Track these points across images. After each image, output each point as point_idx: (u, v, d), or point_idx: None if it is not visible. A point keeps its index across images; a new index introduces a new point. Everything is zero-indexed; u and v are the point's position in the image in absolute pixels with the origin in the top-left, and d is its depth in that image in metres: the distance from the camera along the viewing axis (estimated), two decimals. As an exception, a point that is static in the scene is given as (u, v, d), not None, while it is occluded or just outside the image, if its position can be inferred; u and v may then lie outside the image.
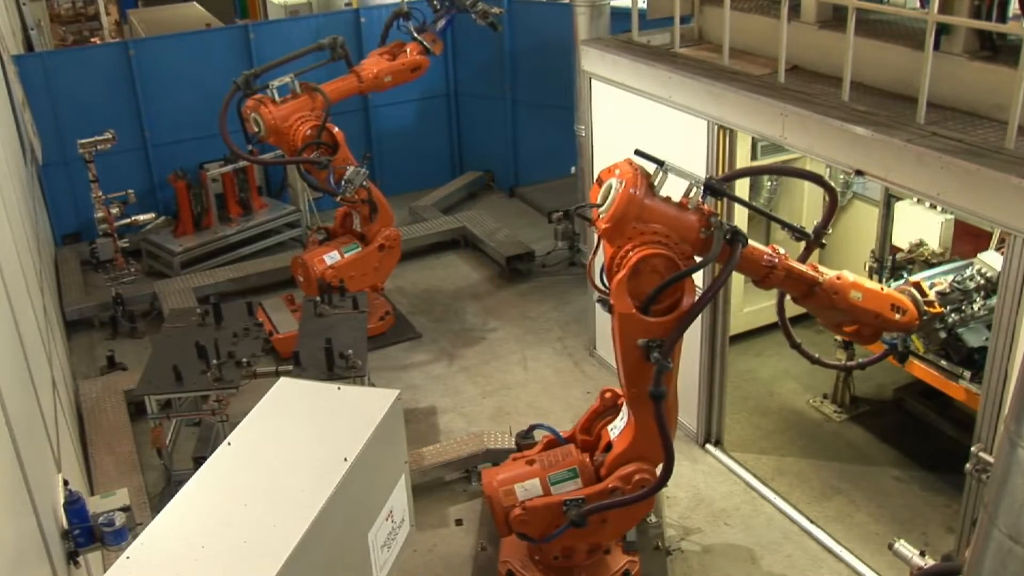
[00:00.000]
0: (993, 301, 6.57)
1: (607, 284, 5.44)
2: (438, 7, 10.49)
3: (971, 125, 6.03)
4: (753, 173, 6.33)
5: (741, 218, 8.88)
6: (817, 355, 6.28)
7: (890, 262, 8.39)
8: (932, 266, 8.12)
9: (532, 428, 6.78)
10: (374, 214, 9.94)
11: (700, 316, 7.94)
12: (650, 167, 5.32)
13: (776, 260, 5.44)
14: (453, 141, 14.30)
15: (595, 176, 9.14)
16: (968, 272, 7.26)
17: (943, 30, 6.19)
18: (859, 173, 6.23)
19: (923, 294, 5.83)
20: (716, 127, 7.37)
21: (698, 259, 5.33)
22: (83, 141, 9.97)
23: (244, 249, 12.18)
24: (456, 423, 8.87)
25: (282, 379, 5.54)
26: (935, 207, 7.48)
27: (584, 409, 6.70)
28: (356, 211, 10.06)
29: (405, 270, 11.47)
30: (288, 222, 12.62)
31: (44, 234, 11.24)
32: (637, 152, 5.35)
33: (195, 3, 17.46)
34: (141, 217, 10.53)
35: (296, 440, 4.89)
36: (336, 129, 9.45)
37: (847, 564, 7.00)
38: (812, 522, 7.40)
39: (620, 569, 6.57)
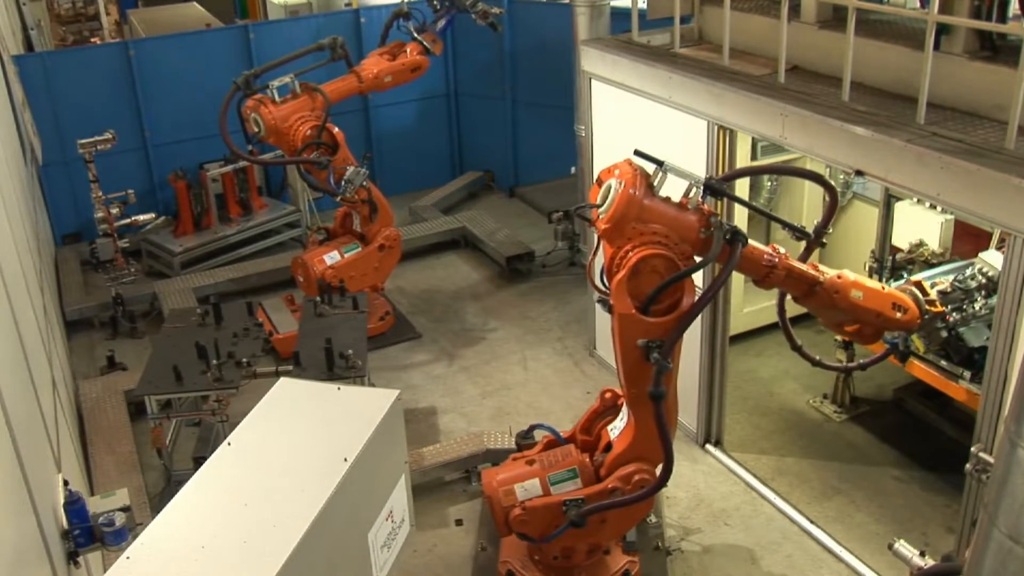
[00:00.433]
0: (995, 300, 6.57)
1: (607, 284, 5.44)
2: (438, 7, 10.49)
3: (971, 125, 6.03)
4: (753, 173, 6.32)
5: (741, 218, 8.89)
6: (818, 357, 6.27)
7: (890, 262, 8.40)
8: (932, 266, 8.12)
9: (532, 428, 6.78)
10: (374, 214, 9.94)
11: (700, 316, 7.98)
12: (650, 167, 5.31)
13: (776, 260, 5.44)
14: (453, 141, 14.30)
15: (595, 176, 9.17)
16: (969, 271, 7.26)
17: (943, 30, 6.19)
18: (859, 173, 6.23)
19: (924, 293, 5.80)
20: (716, 127, 7.37)
21: (698, 259, 5.32)
22: (83, 141, 9.97)
23: (244, 249, 12.18)
24: (456, 423, 8.87)
25: (282, 379, 5.54)
26: (935, 207, 7.48)
27: (584, 409, 6.70)
28: (356, 211, 10.06)
29: (405, 270, 11.47)
30: (288, 222, 12.63)
31: (44, 234, 11.24)
32: (637, 152, 5.34)
33: (195, 3, 17.46)
34: (141, 217, 10.54)
35: (296, 440, 4.89)
36: (336, 129, 9.45)
37: (847, 564, 7.00)
38: (812, 522, 7.40)
39: (620, 569, 6.57)
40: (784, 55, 6.95)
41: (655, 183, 5.27)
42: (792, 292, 5.69)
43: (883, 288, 5.75)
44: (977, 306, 7.00)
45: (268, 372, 7.70)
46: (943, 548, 6.73)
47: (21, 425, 4.64)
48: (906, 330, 5.89)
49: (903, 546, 5.27)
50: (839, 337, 8.56)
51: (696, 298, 5.30)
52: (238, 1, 19.13)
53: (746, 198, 9.08)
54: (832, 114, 6.38)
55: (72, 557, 4.82)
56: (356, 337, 7.78)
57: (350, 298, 8.41)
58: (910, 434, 8.31)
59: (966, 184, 5.49)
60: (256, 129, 9.32)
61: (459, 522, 7.62)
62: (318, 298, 8.39)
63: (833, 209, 5.59)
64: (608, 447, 6.16)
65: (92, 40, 17.47)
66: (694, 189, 5.26)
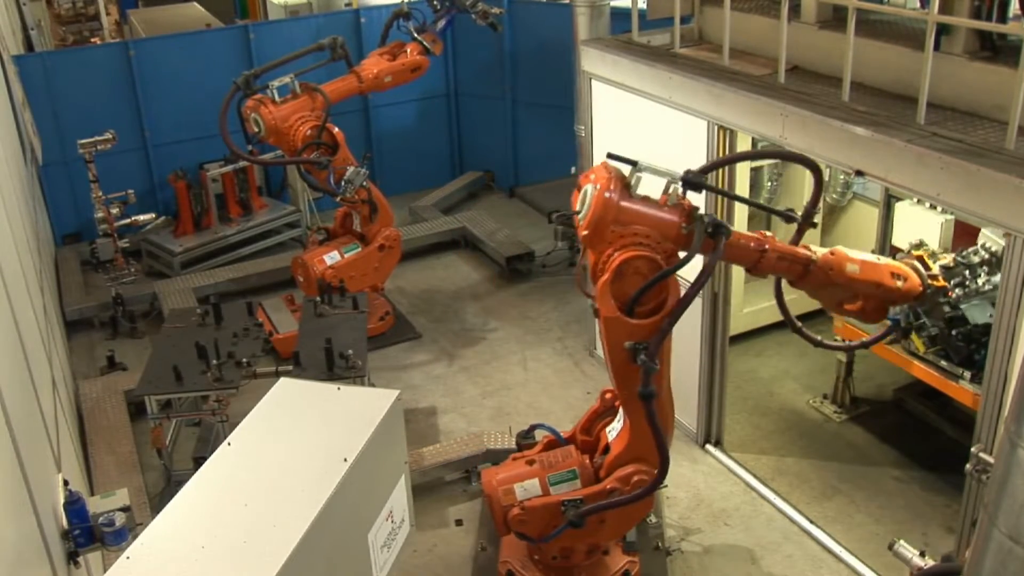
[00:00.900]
0: (998, 277, 6.51)
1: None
2: (438, 7, 10.50)
3: (971, 125, 6.03)
4: (731, 161, 6.15)
5: (741, 211, 8.89)
6: (820, 337, 6.16)
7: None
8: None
9: (533, 428, 6.79)
10: (374, 214, 9.94)
11: (700, 317, 7.98)
12: (626, 169, 5.26)
13: (767, 244, 5.35)
14: (453, 141, 14.30)
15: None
16: (973, 248, 7.24)
17: (943, 30, 6.19)
18: (859, 173, 6.23)
19: (927, 268, 5.71)
20: (716, 127, 7.37)
21: (682, 256, 5.24)
22: (83, 141, 9.98)
23: (244, 249, 12.18)
24: (456, 423, 8.87)
25: (282, 379, 5.54)
26: (935, 207, 7.47)
27: (584, 409, 6.70)
28: (356, 211, 10.06)
29: (405, 270, 11.47)
30: (288, 222, 12.63)
31: (44, 234, 11.23)
32: (610, 155, 5.27)
33: (195, 3, 17.46)
34: (141, 217, 10.54)
35: (296, 440, 4.89)
36: (336, 129, 9.46)
37: (847, 564, 7.00)
38: (812, 522, 7.40)
39: (620, 569, 6.57)
40: (784, 55, 6.96)
41: (631, 184, 5.19)
42: (787, 276, 5.56)
43: (879, 260, 5.65)
44: (980, 281, 6.91)
45: (268, 372, 7.70)
46: (943, 548, 6.73)
47: (21, 425, 4.64)
48: (908, 301, 5.71)
49: (903, 546, 5.27)
50: (839, 337, 8.58)
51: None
52: (238, 1, 19.13)
53: (747, 195, 9.10)
54: (832, 114, 6.38)
55: (72, 557, 4.82)
56: (356, 337, 7.78)
57: (350, 298, 8.41)
58: (910, 434, 8.31)
59: (966, 184, 5.49)
60: (256, 129, 9.32)
61: (459, 522, 7.62)
62: (318, 298, 8.39)
63: (819, 189, 5.47)
64: (608, 448, 6.16)
65: (92, 40, 17.47)
66: (672, 186, 5.19)
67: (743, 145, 8.05)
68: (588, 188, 5.21)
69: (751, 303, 9.40)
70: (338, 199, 9.69)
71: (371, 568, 5.01)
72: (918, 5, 6.95)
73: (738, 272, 8.25)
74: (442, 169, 14.20)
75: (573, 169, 10.81)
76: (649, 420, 5.27)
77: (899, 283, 5.49)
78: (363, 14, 12.95)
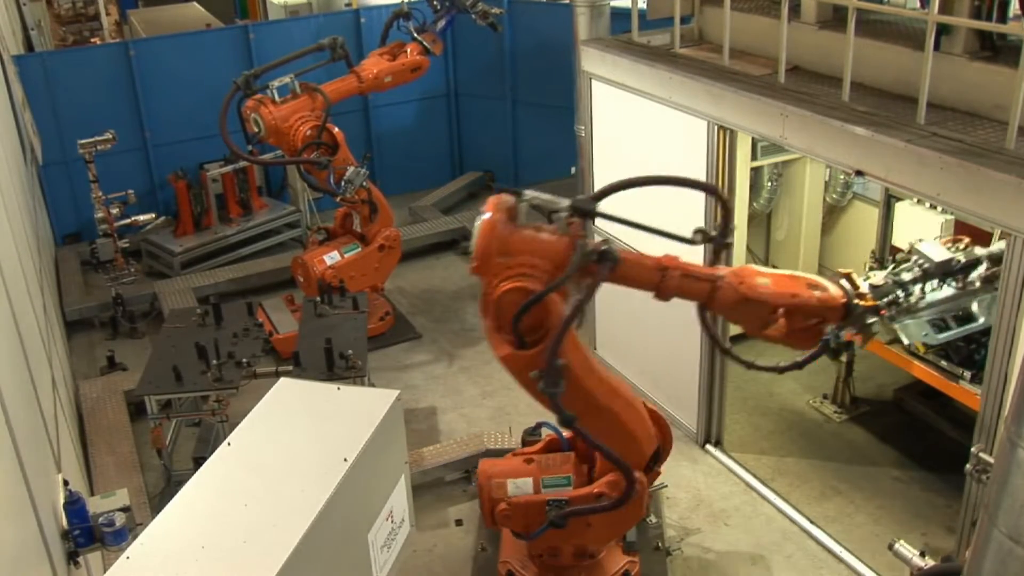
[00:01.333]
0: (938, 294, 6.50)
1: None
2: (438, 7, 10.49)
3: (971, 125, 6.03)
4: (627, 187, 5.89)
5: (741, 218, 8.90)
6: (752, 360, 6.04)
7: (890, 263, 8.39)
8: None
9: (539, 425, 6.80)
10: (374, 214, 9.94)
11: (700, 317, 7.97)
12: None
13: (669, 264, 5.16)
14: (453, 141, 14.30)
15: (593, 177, 9.19)
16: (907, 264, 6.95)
17: (943, 30, 6.19)
18: (859, 173, 6.23)
19: (854, 286, 5.42)
20: (716, 127, 7.38)
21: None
22: (83, 141, 9.98)
23: (244, 249, 12.18)
24: (456, 423, 8.86)
25: (282, 379, 5.55)
26: (935, 207, 7.47)
27: (584, 409, 6.69)
28: (356, 211, 10.06)
29: (405, 270, 11.46)
30: (288, 222, 12.63)
31: (44, 234, 11.24)
32: (499, 188, 5.21)
33: (195, 3, 17.46)
34: (141, 217, 10.54)
35: (296, 440, 4.90)
36: (336, 129, 9.45)
37: (847, 564, 7.00)
38: (812, 522, 7.39)
39: (620, 569, 6.56)
40: (784, 55, 6.96)
41: (518, 214, 5.07)
42: (697, 298, 5.29)
43: (794, 273, 5.44)
44: (913, 299, 6.51)
45: (268, 372, 7.70)
46: (943, 548, 6.73)
47: (21, 425, 4.64)
48: (833, 314, 5.33)
49: (903, 546, 5.27)
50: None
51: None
52: (238, 1, 19.13)
53: (747, 199, 9.11)
54: (832, 114, 6.38)
55: (72, 557, 4.82)
56: (356, 337, 7.78)
57: (350, 298, 8.41)
58: (910, 434, 8.31)
59: (966, 184, 5.49)
60: (256, 129, 9.31)
61: (459, 522, 7.62)
62: (318, 298, 8.39)
63: (727, 217, 5.27)
64: None
65: (92, 40, 17.46)
66: (561, 213, 5.05)
67: (743, 145, 8.07)
68: (477, 220, 5.06)
69: (751, 303, 9.38)
70: (338, 199, 9.68)
71: (371, 568, 5.01)
72: (918, 5, 6.95)
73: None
74: (442, 169, 14.20)
75: (573, 169, 10.82)
76: (586, 440, 5.27)
77: (816, 293, 5.16)
78: (363, 14, 12.95)
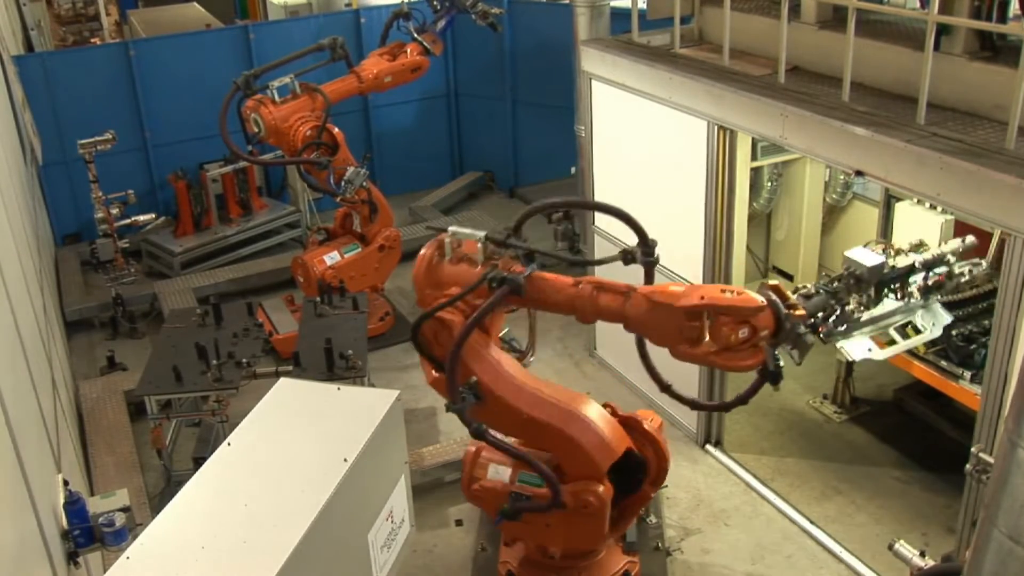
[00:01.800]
0: (881, 308, 6.24)
1: None
2: (438, 7, 10.50)
3: (971, 125, 6.04)
4: (539, 211, 5.96)
5: (740, 220, 8.89)
6: (694, 397, 6.07)
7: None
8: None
9: None
10: (374, 214, 9.94)
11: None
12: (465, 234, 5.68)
13: (582, 281, 5.40)
14: (453, 141, 14.30)
15: (593, 177, 9.19)
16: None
17: (943, 30, 6.19)
18: (859, 173, 6.23)
19: (783, 297, 5.14)
20: (716, 127, 7.38)
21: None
22: (83, 141, 9.98)
23: (244, 249, 12.18)
24: (456, 423, 8.79)
25: (282, 379, 5.54)
26: (935, 207, 7.47)
27: (584, 409, 6.68)
28: (356, 211, 10.06)
29: (405, 270, 11.42)
30: (288, 222, 12.63)
31: (44, 234, 11.24)
32: (428, 227, 5.81)
33: (195, 3, 17.46)
34: (141, 217, 10.54)
35: (296, 440, 4.89)
36: (336, 129, 9.45)
37: (847, 565, 7.00)
38: (812, 523, 7.40)
39: (620, 569, 6.56)
40: (784, 55, 6.96)
41: (445, 248, 5.64)
42: (612, 311, 5.29)
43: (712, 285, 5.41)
44: (849, 309, 6.04)
45: (268, 372, 7.70)
46: (943, 548, 6.73)
47: (21, 425, 4.64)
48: (759, 320, 4.96)
49: (903, 546, 5.27)
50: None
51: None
52: (238, 1, 19.14)
53: (747, 199, 9.11)
54: (832, 114, 6.38)
55: (72, 557, 4.82)
56: (356, 337, 7.78)
57: (350, 298, 8.41)
58: (910, 434, 8.30)
59: (966, 184, 5.49)
60: (256, 129, 9.31)
61: (459, 522, 7.62)
62: (318, 298, 8.39)
63: (642, 236, 5.33)
64: None
65: (92, 40, 17.46)
66: (478, 244, 5.56)
67: (743, 145, 8.07)
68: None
69: (751, 303, 9.39)
70: (338, 199, 9.68)
71: (371, 568, 5.00)
72: (918, 5, 6.95)
73: (737, 275, 8.25)
74: (442, 169, 14.20)
75: (573, 169, 10.83)
76: (501, 448, 5.57)
77: (729, 295, 4.88)
78: (363, 14, 12.95)
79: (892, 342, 6.87)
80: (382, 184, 11.46)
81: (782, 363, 5.18)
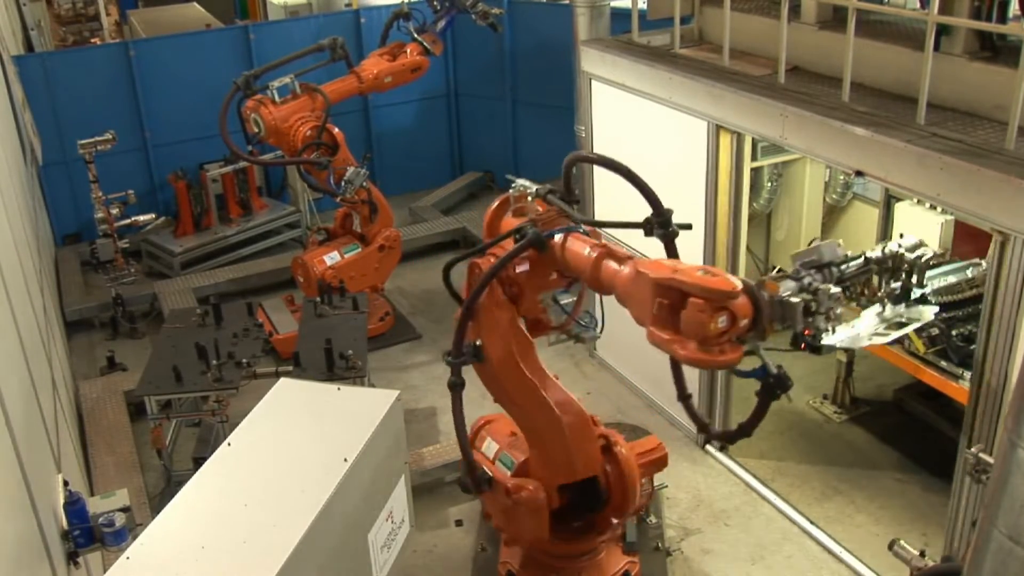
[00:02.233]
0: (862, 322, 6.27)
1: None
2: (438, 8, 10.49)
3: (971, 126, 6.03)
4: (580, 161, 5.98)
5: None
6: (707, 421, 5.96)
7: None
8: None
9: None
10: (374, 215, 9.94)
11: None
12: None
13: (600, 244, 5.24)
14: (453, 141, 14.30)
15: (593, 177, 9.18)
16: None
17: (943, 31, 6.19)
18: (859, 174, 6.23)
19: (772, 290, 4.62)
20: (716, 127, 7.38)
21: None
22: (83, 141, 9.98)
23: (244, 250, 12.18)
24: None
25: (282, 380, 5.54)
26: (935, 207, 7.47)
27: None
28: (356, 212, 10.06)
29: (405, 270, 11.46)
30: (288, 223, 12.63)
31: (44, 234, 11.23)
32: (507, 176, 5.99)
33: (195, 4, 17.46)
34: (141, 217, 10.54)
35: (296, 440, 4.89)
36: (336, 130, 9.46)
37: (847, 565, 7.00)
38: (812, 523, 7.39)
39: (620, 569, 6.57)
40: (784, 55, 6.96)
41: (511, 200, 5.80)
42: (611, 283, 5.01)
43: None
44: (824, 290, 5.14)
45: (268, 372, 7.70)
46: (943, 548, 6.73)
47: (21, 425, 4.64)
48: (736, 306, 4.49)
49: (903, 546, 5.26)
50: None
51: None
52: (238, 1, 19.13)
53: (747, 199, 9.10)
54: (832, 115, 6.38)
55: (72, 557, 4.82)
56: (356, 337, 7.78)
57: (350, 298, 8.41)
58: (910, 434, 8.30)
59: (966, 184, 5.49)
60: (256, 129, 9.32)
61: (459, 522, 7.62)
62: (318, 298, 8.39)
63: (654, 204, 5.18)
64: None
65: (92, 40, 17.47)
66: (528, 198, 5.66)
67: (744, 145, 8.05)
68: None
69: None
70: (338, 199, 9.69)
71: (371, 568, 5.01)
72: (918, 5, 6.95)
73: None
74: (442, 169, 14.20)
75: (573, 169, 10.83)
76: (454, 408, 5.62)
77: (702, 274, 4.40)
78: (363, 14, 12.95)
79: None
80: (382, 184, 11.46)
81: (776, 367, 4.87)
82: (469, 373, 5.71)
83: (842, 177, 9.43)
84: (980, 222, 5.83)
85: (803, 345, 4.80)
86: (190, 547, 4.15)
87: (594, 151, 9.07)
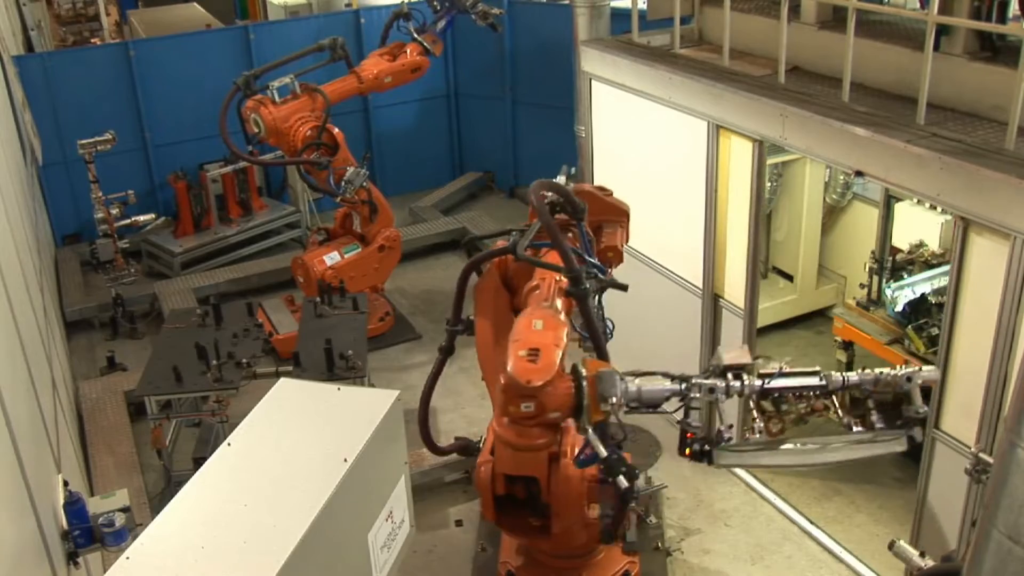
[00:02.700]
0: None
1: None
2: (438, 8, 10.50)
3: (971, 126, 6.04)
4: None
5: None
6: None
7: (890, 263, 8.40)
8: (932, 267, 8.12)
9: None
10: (374, 215, 9.94)
11: (700, 317, 8.01)
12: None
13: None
14: (453, 142, 14.30)
15: (593, 177, 9.18)
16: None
17: (943, 31, 6.20)
18: (859, 174, 6.23)
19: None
20: (716, 127, 7.38)
21: None
22: (83, 142, 9.98)
23: (244, 250, 12.19)
24: (456, 423, 8.86)
25: (282, 380, 5.53)
26: (935, 207, 7.48)
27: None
28: (356, 212, 10.06)
29: (405, 271, 11.46)
30: (288, 223, 12.63)
31: (44, 234, 11.24)
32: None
33: (195, 4, 17.46)
34: (141, 218, 10.54)
35: (296, 440, 4.89)
36: (336, 130, 9.46)
37: (847, 565, 7.00)
38: (812, 523, 7.40)
39: (620, 569, 6.56)
40: (784, 56, 6.96)
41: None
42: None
43: (557, 335, 4.54)
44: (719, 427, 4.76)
45: (268, 372, 7.70)
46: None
47: (21, 425, 4.64)
48: (540, 394, 4.39)
49: (903, 546, 5.26)
50: (839, 338, 8.59)
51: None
52: (238, 2, 19.13)
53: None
54: (832, 115, 6.38)
55: (72, 557, 4.82)
56: (356, 338, 7.78)
57: (350, 299, 8.41)
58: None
59: (966, 184, 5.49)
60: (256, 130, 9.32)
61: (459, 522, 7.62)
62: (318, 299, 8.39)
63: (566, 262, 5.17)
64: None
65: (92, 41, 17.48)
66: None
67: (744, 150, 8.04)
68: None
69: (751, 303, 9.39)
70: (338, 199, 9.69)
71: (371, 568, 5.00)
72: (918, 5, 6.96)
73: (737, 275, 8.25)
74: (442, 169, 14.20)
75: (573, 170, 10.84)
76: (432, 369, 6.10)
77: (522, 354, 4.27)
78: (363, 14, 12.96)
79: None
80: (382, 184, 11.46)
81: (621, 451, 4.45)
82: (470, 373, 5.73)
83: (842, 177, 9.43)
84: (980, 222, 5.84)
85: (687, 452, 4.61)
86: (190, 547, 4.14)
87: (593, 152, 9.10)
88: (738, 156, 7.37)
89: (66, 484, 5.15)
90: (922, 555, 5.15)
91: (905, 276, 8.25)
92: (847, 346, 8.39)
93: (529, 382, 4.22)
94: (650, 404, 4.64)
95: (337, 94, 9.74)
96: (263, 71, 9.45)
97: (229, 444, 4.86)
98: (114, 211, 10.18)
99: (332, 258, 9.87)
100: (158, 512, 4.41)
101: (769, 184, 9.67)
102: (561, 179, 6.22)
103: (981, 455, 5.44)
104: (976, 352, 5.80)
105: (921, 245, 8.25)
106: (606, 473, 4.56)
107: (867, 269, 8.48)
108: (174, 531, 4.27)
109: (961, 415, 6.04)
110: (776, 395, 4.71)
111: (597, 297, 5.78)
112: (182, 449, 8.38)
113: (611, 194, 6.44)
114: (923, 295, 7.94)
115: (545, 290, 5.21)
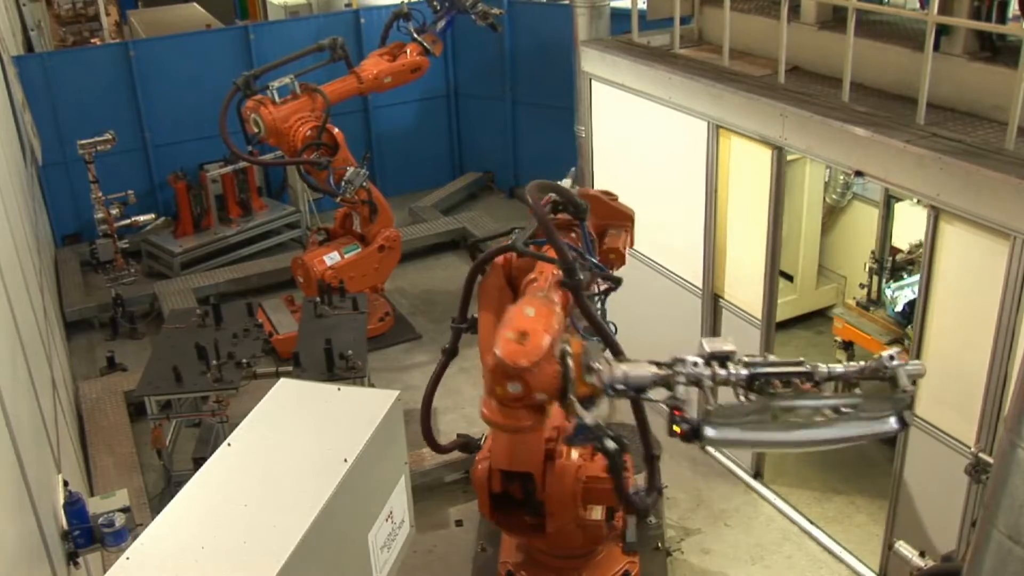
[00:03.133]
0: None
1: None
2: (438, 8, 10.50)
3: (971, 126, 6.04)
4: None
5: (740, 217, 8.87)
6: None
7: (890, 263, 8.40)
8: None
9: None
10: (374, 215, 9.94)
11: (700, 317, 8.01)
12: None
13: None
14: (453, 142, 14.30)
15: (593, 178, 9.19)
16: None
17: (943, 31, 6.20)
18: (859, 174, 6.23)
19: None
20: (716, 127, 7.38)
21: None
22: (83, 142, 9.98)
23: (244, 250, 12.19)
24: (456, 423, 8.86)
25: (282, 380, 5.52)
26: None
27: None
28: (356, 212, 10.06)
29: (405, 271, 11.46)
30: (288, 223, 12.63)
31: (44, 235, 11.24)
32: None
33: (195, 4, 17.46)
34: (141, 218, 10.54)
35: (296, 441, 4.89)
36: (336, 130, 9.46)
37: (847, 565, 7.00)
38: (812, 523, 7.40)
39: (620, 570, 6.56)
40: (784, 56, 6.96)
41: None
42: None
43: (551, 319, 4.51)
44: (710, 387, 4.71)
45: (268, 373, 7.70)
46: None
47: (21, 425, 4.64)
48: (526, 374, 4.36)
49: (903, 546, 5.27)
50: (839, 338, 8.59)
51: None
52: (238, 2, 19.13)
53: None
54: (832, 115, 6.38)
55: (72, 558, 4.82)
56: (356, 338, 7.78)
57: (350, 299, 8.41)
58: (910, 434, 8.29)
59: (966, 184, 5.49)
60: (256, 130, 9.32)
61: (459, 523, 7.62)
62: (318, 299, 8.39)
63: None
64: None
65: (92, 41, 17.47)
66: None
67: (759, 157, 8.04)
68: None
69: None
70: (338, 200, 9.69)
71: (371, 569, 5.00)
72: (918, 5, 6.96)
73: (738, 275, 8.25)
74: (442, 170, 14.20)
75: (573, 170, 10.84)
76: (435, 371, 6.16)
77: (509, 335, 4.29)
78: (363, 15, 12.96)
79: None
80: (382, 184, 11.46)
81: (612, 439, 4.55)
82: (471, 373, 5.73)
83: (842, 177, 9.43)
84: (980, 222, 5.84)
85: (678, 430, 4.56)
86: (190, 547, 4.14)
87: (593, 152, 9.10)
88: (739, 157, 7.38)
89: (66, 484, 5.15)
90: (922, 555, 5.16)
91: (905, 276, 8.25)
92: (847, 346, 8.39)
93: (516, 363, 4.24)
94: (636, 388, 4.66)
95: (337, 94, 9.74)
96: (263, 71, 9.45)
97: (229, 444, 4.86)
98: (114, 211, 10.18)
99: (332, 258, 9.87)
100: (158, 512, 4.41)
101: (769, 184, 9.67)
102: (567, 182, 6.15)
103: (981, 455, 5.45)
104: (950, 338, 5.90)
105: (921, 245, 8.24)
106: (591, 439, 4.64)
107: (867, 269, 8.48)
108: (174, 531, 4.26)
109: (935, 402, 6.05)
110: (762, 380, 4.58)
111: (600, 300, 5.76)
112: (182, 449, 8.38)
113: (616, 198, 6.42)
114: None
115: (542, 282, 5.22)
